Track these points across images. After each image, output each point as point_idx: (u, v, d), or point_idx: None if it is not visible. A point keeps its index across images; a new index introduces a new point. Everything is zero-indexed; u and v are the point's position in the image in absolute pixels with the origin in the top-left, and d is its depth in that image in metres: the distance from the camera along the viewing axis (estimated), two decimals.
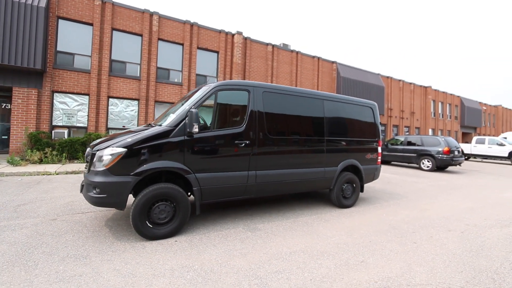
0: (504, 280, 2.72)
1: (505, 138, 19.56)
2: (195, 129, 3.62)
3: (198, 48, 13.57)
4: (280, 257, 3.09)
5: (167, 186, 3.45)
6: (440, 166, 12.10)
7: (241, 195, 4.17)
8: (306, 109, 5.02)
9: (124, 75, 11.73)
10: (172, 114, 3.96)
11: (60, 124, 10.77)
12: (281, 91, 4.70)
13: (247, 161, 4.12)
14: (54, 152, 9.67)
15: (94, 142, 3.86)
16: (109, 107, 11.56)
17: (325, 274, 2.74)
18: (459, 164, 12.24)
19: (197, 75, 13.57)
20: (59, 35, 10.58)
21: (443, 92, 29.54)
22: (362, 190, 5.70)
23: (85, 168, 3.64)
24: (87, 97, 11.08)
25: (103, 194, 3.20)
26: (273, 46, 15.90)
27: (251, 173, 4.17)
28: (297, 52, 17.17)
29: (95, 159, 3.35)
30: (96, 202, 3.25)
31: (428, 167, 12.30)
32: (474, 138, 19.45)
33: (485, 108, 36.39)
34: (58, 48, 10.57)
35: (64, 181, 6.77)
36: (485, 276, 2.80)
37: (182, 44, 13.11)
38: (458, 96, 31.35)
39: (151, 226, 3.39)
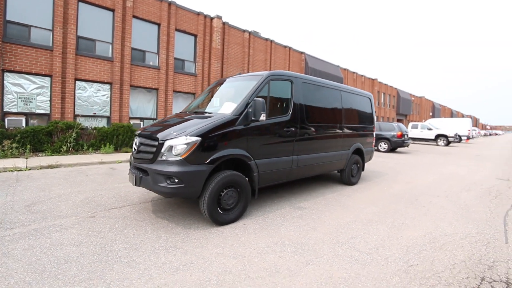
0: (496, 220, 3.60)
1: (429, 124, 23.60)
2: (262, 117, 3.70)
3: (176, 30, 12.63)
4: (343, 226, 3.62)
5: (234, 173, 3.52)
6: (394, 147, 14.46)
7: (286, 179, 4.47)
8: (330, 99, 5.49)
9: (94, 54, 10.29)
10: (229, 102, 3.92)
11: (15, 110, 9.01)
12: (314, 82, 5.05)
13: (291, 146, 4.41)
14: (14, 145, 8.13)
15: (146, 131, 3.64)
16: (77, 91, 10.09)
17: (389, 234, 3.34)
18: (407, 145, 14.56)
19: (175, 59, 12.70)
20: (9, 1, 8.64)
21: (385, 84, 33.58)
22: (363, 169, 6.62)
23: (139, 158, 3.47)
24: (49, 78, 9.45)
25: (180, 184, 3.11)
26: (249, 33, 15.75)
27: (294, 157, 4.49)
28: (271, 41, 17.36)
29: (164, 148, 3.21)
30: (172, 193, 3.14)
31: (384, 148, 14.58)
32: (410, 124, 23.21)
33: (413, 98, 42.76)
34: (8, 17, 8.65)
35: (49, 177, 5.91)
36: (484, 223, 3.89)
37: (159, 24, 12.03)
38: (395, 88, 36.01)
39: (221, 212, 3.45)
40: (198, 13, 13.32)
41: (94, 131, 9.69)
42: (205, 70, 13.84)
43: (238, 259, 2.67)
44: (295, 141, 4.47)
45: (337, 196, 5.21)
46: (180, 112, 4.64)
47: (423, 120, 45.61)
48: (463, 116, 71.73)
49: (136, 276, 2.33)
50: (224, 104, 3.93)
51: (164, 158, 3.20)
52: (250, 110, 3.66)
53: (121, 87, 11.00)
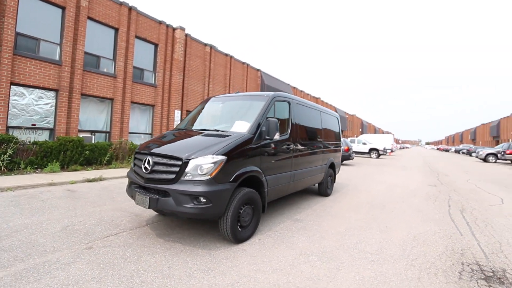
0: (445, 218, 4.52)
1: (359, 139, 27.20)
2: (276, 136, 3.85)
3: (136, 37, 11.82)
4: (344, 233, 4.03)
5: (250, 190, 3.58)
6: (342, 160, 16.19)
7: (285, 193, 4.69)
8: (313, 118, 6.03)
9: (36, 56, 8.80)
10: (241, 121, 3.95)
11: None
12: (303, 104, 5.52)
13: (290, 162, 4.71)
14: None
15: (158, 149, 3.45)
16: (12, 98, 8.39)
17: (382, 237, 3.89)
18: (352, 158, 16.45)
19: (134, 67, 11.78)
20: None
21: (326, 103, 37.46)
22: (334, 181, 7.34)
23: (153, 179, 3.21)
24: None
25: (208, 204, 3.02)
26: (210, 47, 15.79)
27: (292, 173, 4.78)
28: (231, 57, 17.71)
29: (190, 168, 3.06)
30: (199, 213, 3.01)
31: None
32: (348, 139, 26.38)
33: (347, 116, 48.74)
34: None
35: (13, 200, 4.78)
36: (439, 221, 4.66)
37: (117, 29, 11.08)
38: (334, 107, 40.49)
39: (240, 229, 3.45)
40: (160, 22, 12.78)
41: (35, 146, 8.14)
42: (166, 81, 13.20)
43: (277, 273, 2.74)
44: (293, 157, 4.76)
45: (322, 207, 5.64)
46: (180, 129, 4.41)
47: (355, 135, 52.13)
48: (383, 132, 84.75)
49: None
50: (236, 122, 3.93)
51: (189, 178, 3.05)
52: (264, 129, 3.79)
53: (70, 95, 9.60)
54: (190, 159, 3.09)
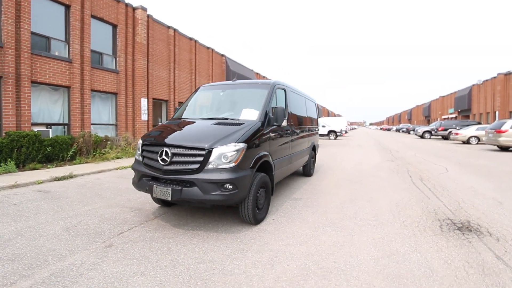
0: (412, 187, 5.46)
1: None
2: (284, 122, 4.10)
3: (92, 16, 10.55)
4: (341, 207, 4.52)
5: (264, 174, 3.81)
6: None
7: (285, 175, 4.99)
8: (301, 104, 6.42)
9: None
10: (248, 109, 4.06)
11: None
12: (294, 91, 5.83)
13: (289, 146, 5.04)
14: None
15: (176, 140, 3.40)
16: None
17: (372, 206, 4.49)
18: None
19: (92, 51, 10.59)
20: None
21: None
22: (315, 162, 7.99)
23: (174, 170, 3.20)
24: None
25: (234, 190, 3.16)
26: (174, 30, 14.89)
27: (290, 156, 5.15)
28: (195, 41, 16.98)
29: (214, 157, 3.14)
30: (225, 199, 3.14)
31: None
32: None
33: None
34: None
35: None
36: (409, 190, 5.54)
37: (69, 6, 9.73)
38: None
39: (258, 211, 3.68)
40: (118, 0, 11.55)
41: None
42: (128, 66, 12.18)
43: (305, 245, 3.07)
44: (290, 141, 5.06)
45: (311, 186, 6.14)
46: (182, 119, 4.33)
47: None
48: (335, 115, 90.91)
49: (260, 274, 2.40)
50: (244, 110, 4.03)
51: (213, 166, 3.13)
52: (271, 116, 3.95)
53: (18, 83, 8.31)
54: (213, 148, 3.15)
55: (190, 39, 16.62)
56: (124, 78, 12.03)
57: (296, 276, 2.42)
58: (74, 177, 6.96)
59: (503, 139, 13.19)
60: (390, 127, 76.74)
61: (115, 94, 11.85)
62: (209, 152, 3.15)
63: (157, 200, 4.13)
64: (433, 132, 26.80)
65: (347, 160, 10.73)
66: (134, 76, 12.54)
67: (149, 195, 4.81)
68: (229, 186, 3.10)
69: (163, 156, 3.25)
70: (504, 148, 13.92)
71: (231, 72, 20.89)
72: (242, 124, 3.63)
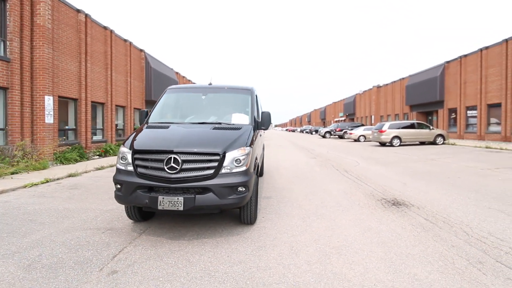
0: (343, 174, 7.02)
1: None
2: (271, 127, 4.53)
3: None
4: (308, 198, 5.23)
5: (256, 175, 4.08)
6: None
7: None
8: (260, 108, 6.93)
9: None
10: (238, 114, 4.29)
11: None
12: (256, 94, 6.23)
13: (262, 149, 5.44)
14: None
15: (177, 147, 3.22)
16: None
17: (329, 195, 5.36)
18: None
19: None
20: None
21: None
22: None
23: (186, 178, 3.12)
24: None
25: (246, 192, 3.33)
26: (85, 15, 12.65)
27: (262, 157, 5.55)
28: (111, 31, 14.88)
29: (227, 161, 3.23)
30: (239, 202, 3.27)
31: None
32: None
33: None
34: None
35: None
36: (344, 176, 7.04)
37: None
38: None
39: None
40: None
41: None
42: (25, 54, 9.61)
43: (306, 234, 3.55)
44: (262, 144, 5.48)
45: (268, 184, 6.68)
46: (163, 123, 4.05)
47: None
48: None
49: (293, 262, 2.69)
50: (234, 115, 4.17)
51: (228, 170, 3.19)
52: (259, 120, 4.26)
53: None
54: (226, 153, 3.20)
55: (105, 28, 14.44)
56: (18, 68, 9.40)
57: (320, 258, 2.86)
58: None
59: (383, 137, 17.54)
60: (294, 129, 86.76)
61: (5, 89, 9.12)
62: (223, 157, 3.18)
63: (135, 214, 3.70)
64: (332, 132, 32.34)
65: (282, 160, 11.90)
66: (34, 67, 9.96)
67: (107, 210, 4.20)
68: (242, 189, 3.22)
69: (172, 164, 3.04)
70: (382, 144, 18.44)
71: (151, 69, 19.30)
72: (240, 128, 3.76)
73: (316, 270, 2.62)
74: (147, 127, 3.84)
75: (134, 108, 17.95)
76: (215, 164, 3.16)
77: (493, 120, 19.21)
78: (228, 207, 3.23)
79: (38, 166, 8.43)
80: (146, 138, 3.47)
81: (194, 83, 34.07)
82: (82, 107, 12.56)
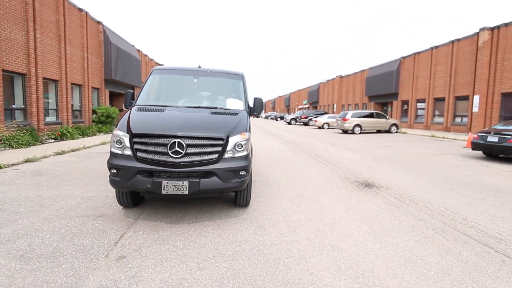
0: (315, 159, 7.63)
1: None
2: (263, 113, 4.65)
3: None
4: (291, 183, 5.56)
5: None
6: None
7: None
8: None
9: None
10: (232, 99, 4.31)
11: None
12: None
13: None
14: None
15: (180, 131, 3.17)
16: None
17: (309, 179, 5.82)
18: None
19: None
20: None
21: None
22: None
23: (190, 162, 3.12)
24: None
25: (246, 176, 3.44)
26: None
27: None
28: None
29: (230, 146, 3.30)
30: (240, 186, 3.36)
31: None
32: None
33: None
34: None
35: None
36: (316, 159, 7.61)
37: None
38: None
39: None
40: None
41: None
42: None
43: (299, 213, 3.86)
44: None
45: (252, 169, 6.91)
46: (156, 106, 3.88)
47: None
48: None
49: (296, 239, 2.92)
50: (228, 100, 4.17)
51: (230, 155, 3.25)
52: (251, 106, 4.33)
53: None
54: (229, 137, 3.23)
55: None
56: None
57: (317, 234, 3.16)
58: None
59: (346, 125, 18.81)
60: (260, 115, 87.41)
61: None
62: (226, 142, 3.21)
63: (127, 200, 3.57)
64: (297, 119, 33.47)
65: (255, 145, 12.09)
66: None
67: (88, 197, 3.99)
68: (244, 173, 3.31)
69: (176, 148, 2.98)
70: (345, 131, 19.79)
71: (111, 45, 17.59)
72: (237, 114, 3.77)
73: (316, 244, 2.90)
74: (138, 110, 3.63)
75: (92, 87, 16.36)
76: (219, 148, 3.19)
77: (437, 112, 21.83)
78: (230, 190, 3.31)
79: None
80: (144, 122, 3.30)
81: (159, 63, 31.97)
82: (32, 84, 11.07)
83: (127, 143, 3.09)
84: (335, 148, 11.19)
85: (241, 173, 3.30)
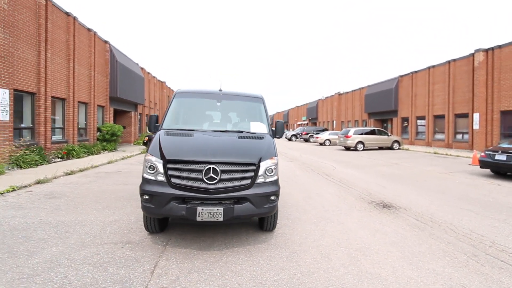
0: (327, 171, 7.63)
1: None
2: (284, 135, 4.71)
3: None
4: (309, 202, 5.55)
5: None
6: None
7: None
8: None
9: None
10: (255, 122, 4.35)
11: None
12: None
13: None
14: None
15: (214, 157, 3.18)
16: None
17: (321, 197, 5.80)
18: None
19: None
20: None
21: (169, 88, 36.98)
22: None
23: (223, 188, 3.12)
24: None
25: (276, 201, 3.43)
26: None
27: None
28: (74, 18, 13.50)
29: (261, 171, 3.32)
30: (271, 211, 3.36)
31: None
32: None
33: None
34: None
35: None
36: (320, 177, 7.62)
37: None
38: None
39: None
40: None
41: None
42: None
43: (327, 237, 3.85)
44: None
45: None
46: (181, 130, 3.90)
47: None
48: None
49: (332, 266, 2.87)
50: (252, 124, 4.21)
51: (262, 180, 3.25)
52: (273, 129, 4.39)
53: None
54: (260, 162, 3.24)
55: (67, 14, 13.04)
56: None
57: (351, 261, 3.11)
58: None
59: (349, 142, 18.96)
60: None
61: None
62: (258, 167, 3.22)
63: (154, 226, 3.53)
64: (298, 135, 33.68)
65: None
66: None
67: (110, 222, 3.93)
68: (274, 198, 3.30)
69: (211, 174, 2.99)
70: (347, 148, 19.90)
71: (117, 63, 17.94)
72: (263, 138, 3.79)
73: (353, 271, 2.86)
74: (167, 134, 3.66)
75: (98, 105, 16.49)
76: (252, 174, 3.19)
77: (437, 129, 22.16)
78: (261, 216, 3.29)
79: None
80: (176, 147, 3.31)
81: (161, 80, 32.50)
82: (41, 103, 11.15)
83: (161, 169, 3.09)
84: (342, 166, 11.21)
85: (271, 198, 3.29)
